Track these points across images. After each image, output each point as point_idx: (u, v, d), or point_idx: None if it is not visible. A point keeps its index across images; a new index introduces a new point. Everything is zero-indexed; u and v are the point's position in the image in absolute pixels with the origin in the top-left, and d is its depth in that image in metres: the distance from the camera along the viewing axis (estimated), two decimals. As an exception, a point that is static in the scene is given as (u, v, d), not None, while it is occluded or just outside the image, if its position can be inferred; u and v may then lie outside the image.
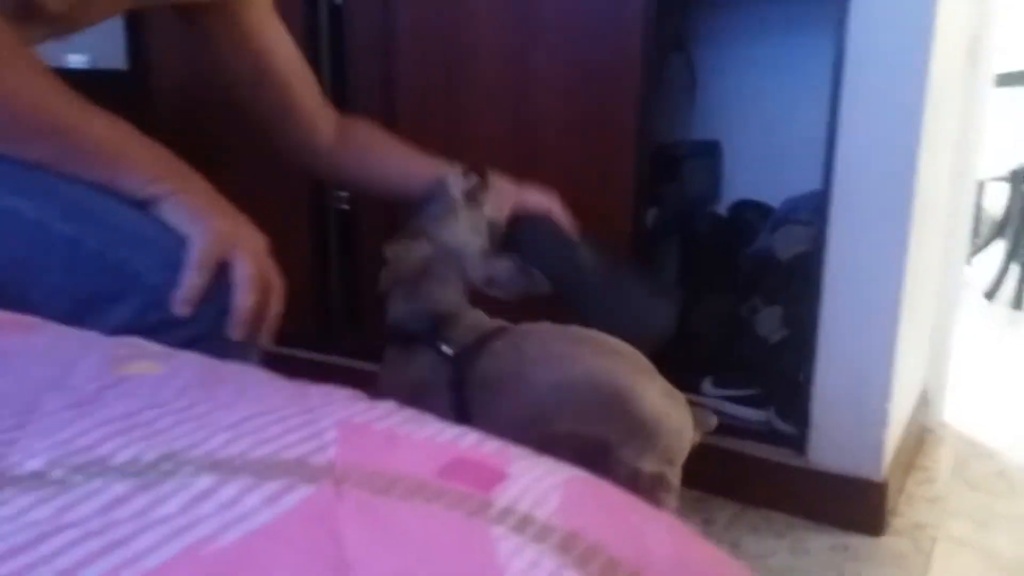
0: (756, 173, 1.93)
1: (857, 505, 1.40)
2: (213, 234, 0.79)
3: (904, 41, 1.25)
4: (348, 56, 1.79)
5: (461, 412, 0.95)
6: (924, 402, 1.78)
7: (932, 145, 1.38)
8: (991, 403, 2.02)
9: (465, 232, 1.06)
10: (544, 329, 1.00)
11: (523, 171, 1.62)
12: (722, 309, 1.72)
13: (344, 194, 1.91)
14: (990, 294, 3.09)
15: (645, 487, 0.86)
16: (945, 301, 1.81)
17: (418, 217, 1.08)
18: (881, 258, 1.33)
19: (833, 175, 1.34)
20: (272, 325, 0.83)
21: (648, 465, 0.88)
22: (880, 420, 1.36)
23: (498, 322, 1.04)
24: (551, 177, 1.59)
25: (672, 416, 0.92)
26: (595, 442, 0.88)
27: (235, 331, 0.79)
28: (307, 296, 1.98)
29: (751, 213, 1.86)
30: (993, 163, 3.18)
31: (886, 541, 1.36)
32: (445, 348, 0.98)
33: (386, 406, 0.48)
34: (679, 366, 1.68)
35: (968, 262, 3.66)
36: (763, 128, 1.89)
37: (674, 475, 0.91)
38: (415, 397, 0.97)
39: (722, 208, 1.94)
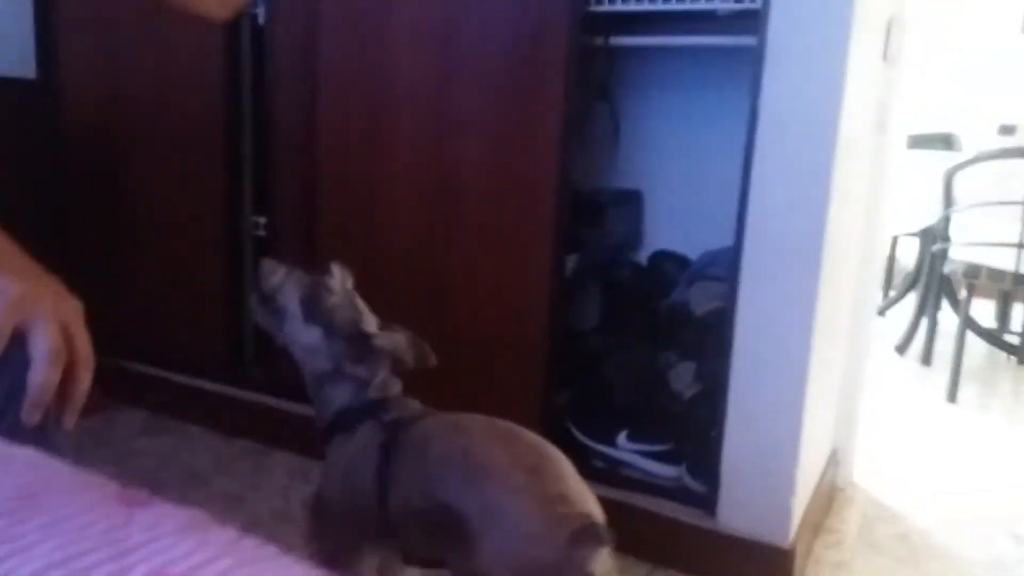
0: (677, 223, 1.93)
1: (764, 571, 1.39)
2: (6, 298, 0.68)
3: (815, 103, 1.27)
4: (269, 80, 1.73)
5: (384, 473, 0.99)
6: (834, 462, 1.79)
7: (841, 205, 1.40)
8: (898, 462, 2.05)
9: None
10: (472, 416, 1.01)
11: (443, 212, 1.59)
12: (639, 361, 1.70)
13: (262, 220, 1.84)
14: (901, 348, 3.18)
15: None
16: (855, 358, 1.84)
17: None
18: (790, 317, 1.33)
19: (744, 232, 1.35)
20: (78, 404, 0.71)
21: (499, 569, 0.82)
22: (788, 485, 1.35)
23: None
24: (471, 220, 1.56)
25: (541, 523, 0.82)
26: (459, 518, 0.87)
27: (29, 414, 0.68)
28: (218, 327, 1.90)
29: (669, 264, 1.86)
30: (910, 219, 3.30)
31: (791, 608, 1.35)
32: (385, 416, 1.04)
33: (224, 540, 0.41)
34: (597, 417, 1.69)
35: (883, 315, 3.78)
36: (685, 178, 1.90)
37: None
38: (350, 466, 1.04)
39: (642, 257, 1.94)
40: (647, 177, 1.94)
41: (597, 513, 0.86)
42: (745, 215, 1.34)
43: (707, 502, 1.44)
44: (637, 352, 1.73)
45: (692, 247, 1.83)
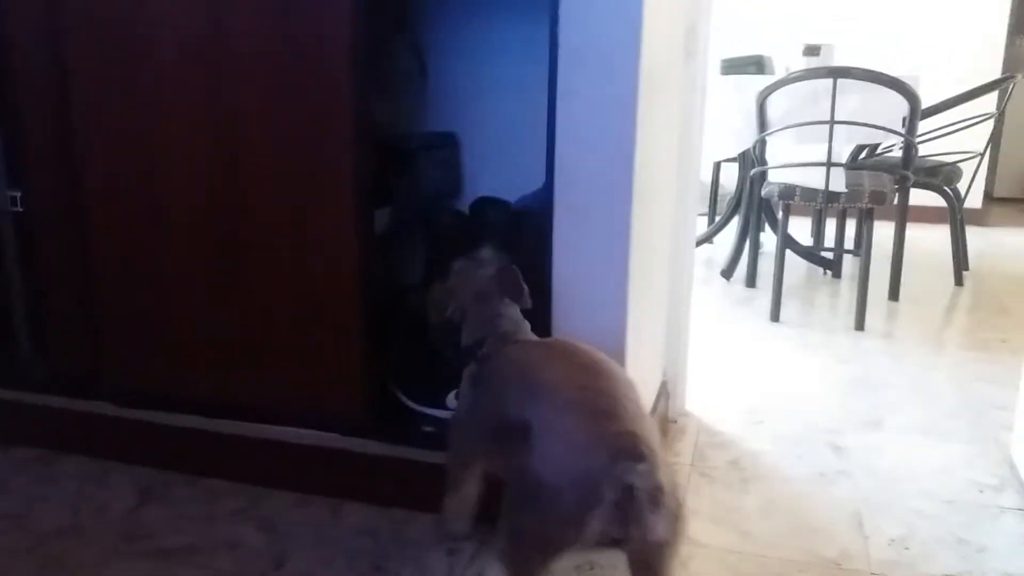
0: (498, 166, 1.84)
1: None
2: None
3: (613, 33, 1.19)
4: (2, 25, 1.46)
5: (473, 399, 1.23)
6: (665, 394, 1.79)
7: (650, 136, 1.35)
8: (729, 387, 2.11)
9: None
10: (541, 341, 1.23)
11: (227, 171, 1.40)
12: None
13: (16, 194, 1.58)
14: (727, 273, 3.30)
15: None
16: (679, 288, 1.84)
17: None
18: (605, 256, 1.28)
19: (554, 172, 1.27)
20: None
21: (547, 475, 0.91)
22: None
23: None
24: (259, 176, 1.39)
25: (585, 436, 0.91)
26: (522, 428, 0.97)
27: None
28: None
29: (493, 210, 1.77)
30: (730, 145, 3.36)
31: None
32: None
33: None
34: (424, 379, 1.59)
35: (711, 241, 3.91)
36: (502, 118, 1.80)
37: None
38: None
39: (464, 204, 1.84)
40: (462, 119, 1.83)
41: (643, 430, 0.91)
42: (553, 154, 1.27)
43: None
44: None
45: (516, 191, 1.74)
